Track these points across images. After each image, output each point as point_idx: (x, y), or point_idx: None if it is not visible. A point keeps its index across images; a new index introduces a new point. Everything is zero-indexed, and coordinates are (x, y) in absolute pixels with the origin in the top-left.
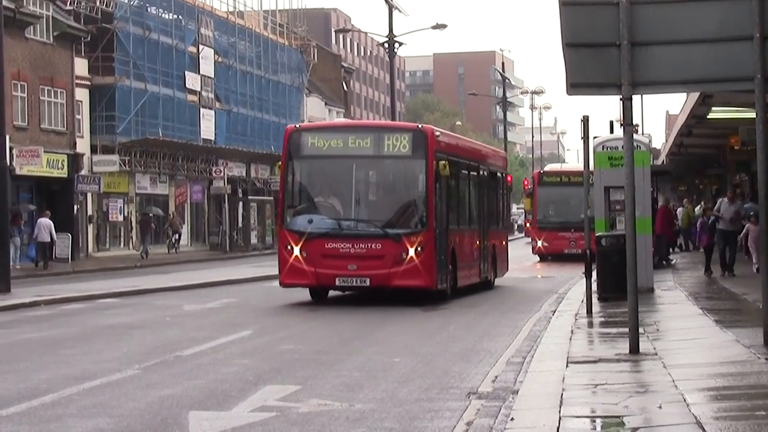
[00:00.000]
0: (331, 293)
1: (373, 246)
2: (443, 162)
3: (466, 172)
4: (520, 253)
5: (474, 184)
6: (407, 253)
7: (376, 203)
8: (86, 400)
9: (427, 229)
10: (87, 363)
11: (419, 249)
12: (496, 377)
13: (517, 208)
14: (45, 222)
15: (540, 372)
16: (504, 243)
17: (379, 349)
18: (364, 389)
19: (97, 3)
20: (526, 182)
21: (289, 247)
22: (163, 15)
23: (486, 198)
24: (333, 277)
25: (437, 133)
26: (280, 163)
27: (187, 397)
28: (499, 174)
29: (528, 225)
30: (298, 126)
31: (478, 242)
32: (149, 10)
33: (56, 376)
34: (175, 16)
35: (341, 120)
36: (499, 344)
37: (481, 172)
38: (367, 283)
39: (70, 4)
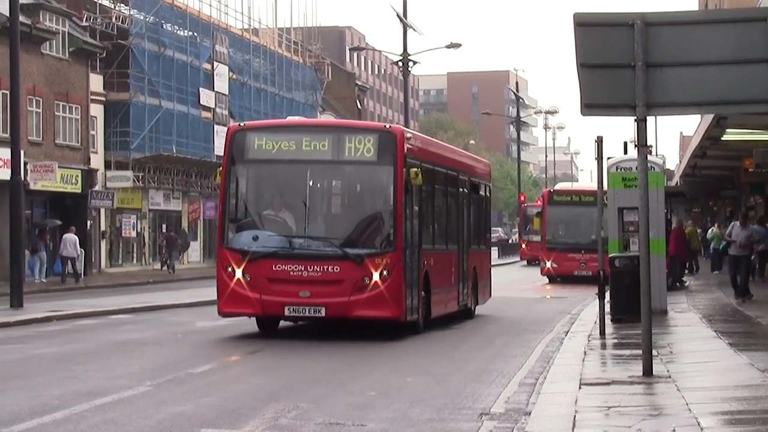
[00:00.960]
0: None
1: (329, 269)
2: (415, 169)
3: (444, 182)
4: (519, 275)
5: (452, 196)
6: (371, 278)
7: (334, 218)
8: (97, 417)
9: (395, 249)
10: (99, 379)
11: (385, 273)
12: (509, 398)
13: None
14: (71, 237)
15: (553, 393)
16: (487, 265)
17: (391, 369)
18: (376, 409)
19: (113, 19)
20: (539, 202)
21: (229, 269)
22: (178, 32)
23: (466, 213)
24: (281, 305)
25: (408, 135)
26: (220, 169)
27: (199, 414)
28: (482, 186)
29: (523, 245)
30: (242, 124)
31: (456, 264)
32: (164, 26)
33: (68, 392)
34: (191, 33)
35: (294, 118)
36: (511, 365)
37: (461, 183)
38: (322, 312)
39: (86, 20)
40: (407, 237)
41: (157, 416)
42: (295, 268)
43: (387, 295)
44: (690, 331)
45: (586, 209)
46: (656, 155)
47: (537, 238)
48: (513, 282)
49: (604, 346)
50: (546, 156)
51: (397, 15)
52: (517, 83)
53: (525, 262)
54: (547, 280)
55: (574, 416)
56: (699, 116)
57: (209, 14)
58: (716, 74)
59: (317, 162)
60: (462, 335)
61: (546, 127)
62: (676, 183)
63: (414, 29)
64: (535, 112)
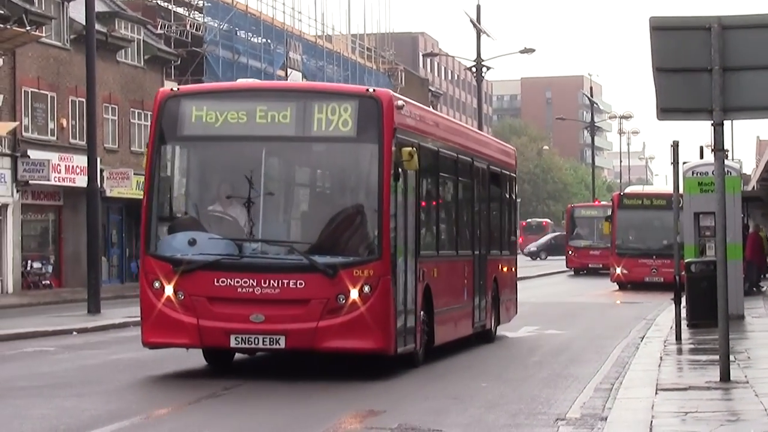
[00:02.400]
0: None
1: (291, 284)
2: (409, 149)
3: (452, 168)
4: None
5: (464, 187)
6: (347, 296)
7: (298, 215)
8: (176, 422)
9: (380, 256)
10: (175, 384)
11: (366, 289)
12: (584, 403)
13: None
14: None
15: (628, 399)
16: (511, 274)
17: (467, 373)
18: (452, 413)
19: (187, 27)
20: (597, 203)
21: (156, 285)
22: (252, 39)
23: (483, 209)
24: (226, 333)
25: (400, 103)
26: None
27: (269, 423)
28: (504, 176)
29: (570, 252)
30: (175, 89)
31: (470, 275)
32: (238, 34)
33: (146, 396)
34: (264, 40)
35: (245, 81)
36: (586, 370)
37: (477, 172)
38: (281, 343)
39: (160, 28)
40: (398, 240)
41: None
42: (245, 283)
43: (369, 319)
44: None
45: (658, 213)
46: (733, 160)
47: (585, 244)
48: (563, 293)
49: (680, 352)
50: (620, 161)
51: (471, 20)
52: (591, 88)
53: (572, 271)
54: (617, 286)
55: (651, 422)
56: None
57: (282, 21)
58: None
59: (276, 139)
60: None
61: (620, 132)
62: (753, 187)
63: (487, 34)
64: (610, 117)
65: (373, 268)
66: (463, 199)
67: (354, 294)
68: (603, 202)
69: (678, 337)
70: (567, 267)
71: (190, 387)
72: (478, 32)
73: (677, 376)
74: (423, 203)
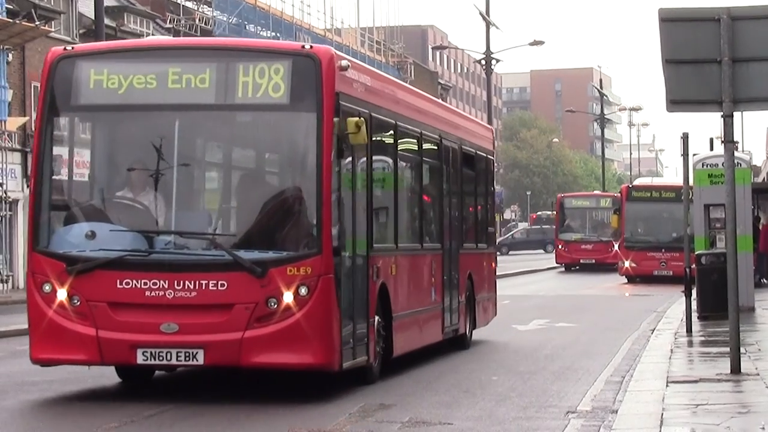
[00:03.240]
0: None
1: (211, 286)
2: (356, 119)
3: (415, 147)
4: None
5: (430, 170)
6: (279, 300)
7: (219, 201)
8: None
9: (320, 251)
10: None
11: (303, 291)
12: (595, 396)
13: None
14: None
15: (639, 391)
16: (489, 270)
17: (479, 365)
18: (462, 407)
19: (196, 21)
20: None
21: (47, 288)
22: (261, 32)
23: (454, 196)
24: (131, 347)
25: (344, 64)
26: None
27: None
28: (480, 159)
29: (560, 246)
30: (69, 48)
31: (438, 272)
32: (247, 27)
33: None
34: (273, 34)
35: (155, 38)
36: (597, 363)
37: (447, 152)
38: (199, 358)
39: (169, 21)
40: (344, 231)
41: None
42: (155, 285)
43: (306, 327)
44: None
45: (667, 206)
46: (743, 151)
47: (577, 237)
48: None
49: (690, 344)
50: (630, 153)
51: (480, 13)
52: (600, 80)
53: (562, 267)
54: (625, 279)
55: (662, 414)
56: None
57: (292, 14)
58: None
59: (192, 108)
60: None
61: (630, 125)
62: (763, 179)
63: (496, 27)
64: (620, 110)
65: (311, 265)
66: (429, 183)
67: (287, 297)
68: (596, 192)
69: (689, 330)
70: (557, 263)
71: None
72: (488, 25)
73: (688, 368)
74: (377, 187)
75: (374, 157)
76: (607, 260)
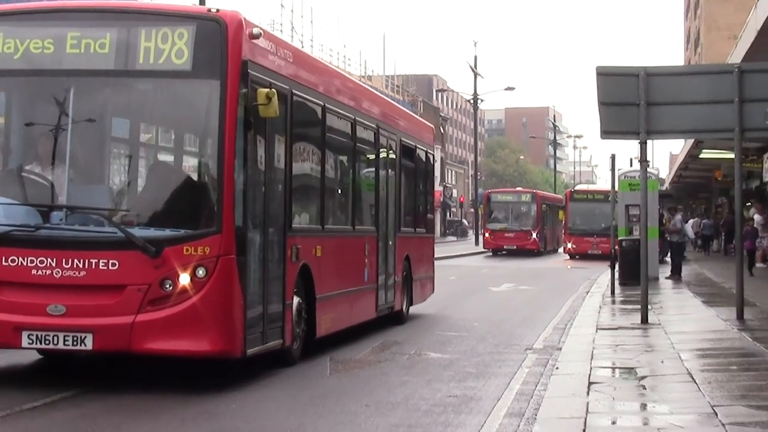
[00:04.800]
0: None
1: (101, 265)
2: (266, 90)
3: (347, 131)
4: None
5: (366, 158)
6: (174, 282)
7: (116, 175)
8: None
9: (220, 229)
10: None
11: (201, 272)
12: (546, 338)
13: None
14: None
15: (577, 335)
16: (427, 253)
17: (463, 316)
18: (453, 344)
19: None
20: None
21: None
22: None
23: (392, 185)
24: (16, 329)
25: (255, 31)
26: None
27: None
28: (420, 153)
29: (486, 234)
30: None
31: (372, 254)
32: None
33: None
34: None
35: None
36: (548, 315)
37: (383, 142)
38: (88, 343)
39: None
40: (252, 209)
41: None
42: (42, 263)
43: (203, 311)
44: (674, 293)
45: (598, 205)
46: (653, 168)
47: (501, 226)
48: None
49: (614, 302)
50: (574, 168)
51: (470, 67)
52: (554, 116)
53: (490, 252)
54: (567, 257)
55: (592, 351)
56: (683, 140)
57: (337, 65)
58: (696, 111)
59: (89, 74)
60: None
61: (574, 147)
62: (666, 188)
63: (481, 76)
64: (567, 136)
65: (209, 245)
66: (365, 172)
67: (184, 279)
68: (518, 188)
69: (612, 293)
70: (484, 248)
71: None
72: (475, 75)
73: (611, 319)
74: (301, 168)
75: (297, 137)
76: (527, 246)
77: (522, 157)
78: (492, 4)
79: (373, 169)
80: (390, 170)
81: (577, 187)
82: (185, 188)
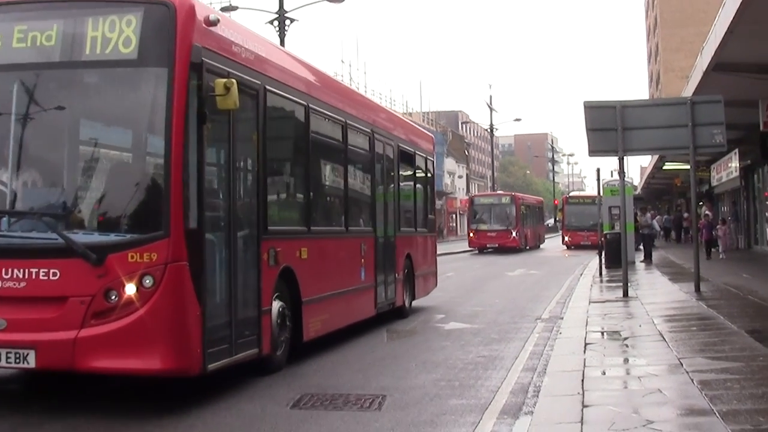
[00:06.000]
0: None
1: (41, 275)
2: (224, 80)
3: (337, 135)
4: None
5: (361, 162)
6: (120, 293)
7: (52, 174)
8: None
9: (168, 233)
10: None
11: (148, 281)
12: (551, 310)
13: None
14: None
15: (574, 307)
16: (429, 250)
17: (486, 296)
18: (479, 317)
19: None
20: (556, 201)
21: None
22: None
23: (392, 188)
24: None
25: (212, 17)
26: None
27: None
28: (419, 159)
29: (471, 234)
30: None
31: (370, 254)
32: None
33: None
34: None
35: None
36: (551, 292)
37: (380, 146)
38: (30, 361)
39: None
40: (211, 209)
41: None
42: None
43: (151, 326)
44: (647, 273)
45: (587, 207)
46: (628, 177)
47: (485, 227)
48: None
49: (601, 282)
50: (568, 179)
51: (487, 104)
52: (552, 139)
53: (476, 251)
54: (565, 248)
55: (587, 319)
56: (650, 156)
57: (383, 104)
58: (660, 133)
59: (33, 67)
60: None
61: (568, 163)
62: (639, 192)
63: (495, 111)
64: (562, 155)
65: (156, 250)
66: (361, 177)
67: (129, 289)
68: (499, 191)
69: (600, 274)
70: (469, 247)
71: None
72: (491, 110)
73: (600, 294)
74: (278, 167)
75: (274, 135)
76: (507, 244)
77: (528, 172)
78: (503, 54)
79: (369, 173)
80: (387, 175)
81: (571, 194)
82: (132, 188)
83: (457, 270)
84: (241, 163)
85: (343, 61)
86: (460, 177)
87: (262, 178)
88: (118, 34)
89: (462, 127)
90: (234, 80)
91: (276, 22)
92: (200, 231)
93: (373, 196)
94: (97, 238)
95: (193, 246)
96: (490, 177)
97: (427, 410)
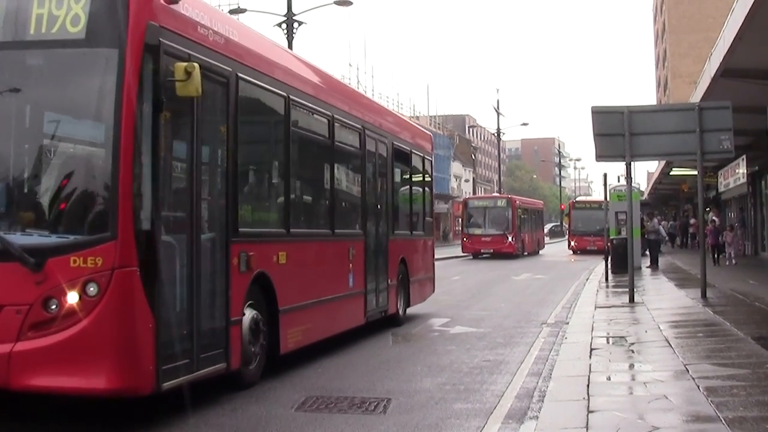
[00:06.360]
0: None
1: None
2: (185, 64)
3: (323, 131)
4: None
5: (350, 160)
6: (61, 301)
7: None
8: None
9: (115, 235)
10: None
11: (92, 289)
12: (557, 315)
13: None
14: None
15: (580, 312)
16: (426, 254)
17: (492, 300)
18: (485, 321)
19: None
20: (562, 206)
21: None
22: None
23: (384, 188)
24: None
25: None
26: None
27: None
28: (416, 158)
29: (465, 239)
30: None
31: (359, 258)
32: None
33: None
34: None
35: None
36: (557, 296)
37: (372, 144)
38: None
39: None
40: (169, 209)
41: None
42: None
43: (97, 339)
44: (653, 278)
45: (594, 212)
46: (635, 183)
47: (479, 231)
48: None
49: (607, 287)
50: (575, 184)
51: (494, 108)
52: (558, 144)
53: (471, 256)
54: (571, 252)
55: (592, 324)
56: (658, 161)
57: (391, 108)
58: (667, 139)
59: None
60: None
61: (575, 168)
62: (645, 198)
63: (502, 115)
64: (569, 160)
65: (101, 255)
66: (350, 176)
67: (72, 297)
68: (494, 194)
69: (606, 279)
70: (463, 252)
71: None
72: (498, 114)
73: (606, 299)
74: (253, 163)
75: (248, 128)
76: (503, 249)
77: (534, 176)
78: (510, 58)
79: (360, 172)
80: (379, 174)
81: (578, 199)
82: (77, 184)
83: (462, 273)
84: (208, 158)
85: (350, 65)
86: (466, 181)
87: (232, 174)
88: (66, 11)
89: (469, 131)
90: (196, 64)
91: (284, 25)
92: (154, 232)
93: (363, 197)
94: (35, 239)
95: (145, 249)
96: (496, 181)
97: (431, 414)
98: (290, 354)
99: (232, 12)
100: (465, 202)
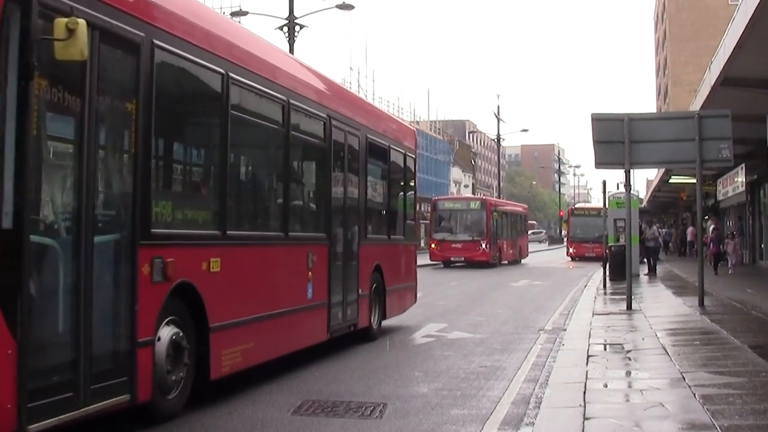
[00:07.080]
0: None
1: None
2: (66, 20)
3: (274, 116)
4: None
5: (311, 152)
6: None
7: None
8: None
9: None
10: None
11: None
12: (554, 321)
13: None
14: None
15: (578, 319)
16: (406, 261)
17: (490, 306)
18: (482, 327)
19: None
20: (561, 213)
21: None
22: None
23: (354, 184)
24: None
25: None
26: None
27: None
28: (397, 153)
29: (433, 245)
30: None
31: (321, 265)
32: None
33: None
34: None
35: None
36: (555, 303)
37: (339, 136)
38: None
39: None
40: (44, 202)
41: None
42: None
43: None
44: (651, 286)
45: (592, 218)
46: (634, 190)
47: (449, 237)
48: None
49: (605, 294)
50: (574, 190)
51: (494, 114)
52: (558, 150)
53: (442, 265)
54: (569, 259)
55: (590, 331)
56: (657, 169)
57: (391, 112)
58: (666, 146)
59: None
60: None
61: (574, 174)
62: (644, 205)
63: (503, 121)
64: (568, 166)
65: None
66: (309, 169)
67: None
68: (468, 195)
69: (604, 286)
70: (431, 260)
71: None
72: (498, 120)
73: (603, 306)
74: (172, 149)
75: (166, 107)
76: (476, 258)
77: (534, 182)
78: (512, 65)
79: (323, 168)
80: (349, 170)
81: (577, 205)
82: None
83: (460, 279)
84: (110, 141)
85: (351, 69)
86: (466, 186)
87: (142, 162)
88: None
89: (469, 137)
90: (82, 20)
91: (286, 29)
92: (19, 232)
93: (328, 196)
94: None
95: (3, 253)
96: (496, 187)
97: (428, 419)
98: (287, 358)
99: (233, 14)
100: (434, 204)
